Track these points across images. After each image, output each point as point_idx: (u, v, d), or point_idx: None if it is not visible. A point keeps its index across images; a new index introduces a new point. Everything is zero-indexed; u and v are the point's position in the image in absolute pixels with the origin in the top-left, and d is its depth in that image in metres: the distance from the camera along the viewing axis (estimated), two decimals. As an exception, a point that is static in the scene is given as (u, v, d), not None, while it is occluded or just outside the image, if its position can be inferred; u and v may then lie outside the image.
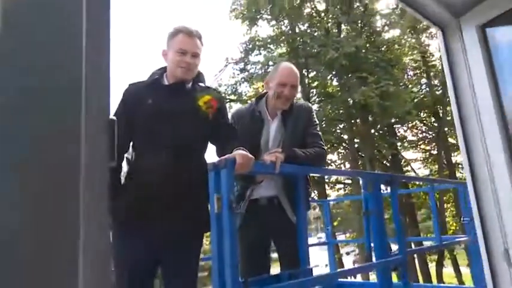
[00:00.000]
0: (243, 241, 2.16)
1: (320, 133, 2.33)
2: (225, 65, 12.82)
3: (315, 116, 2.39)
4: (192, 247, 1.86)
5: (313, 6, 13.09)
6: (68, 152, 0.38)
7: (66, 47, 0.42)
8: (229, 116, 2.32)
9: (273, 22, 12.62)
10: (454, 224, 14.76)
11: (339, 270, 3.15)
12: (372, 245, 2.52)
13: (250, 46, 12.57)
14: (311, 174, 2.52)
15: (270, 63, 10.93)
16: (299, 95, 12.99)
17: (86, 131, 0.39)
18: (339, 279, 3.57)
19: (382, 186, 2.82)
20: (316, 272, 2.12)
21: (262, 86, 2.42)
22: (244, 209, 2.17)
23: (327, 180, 13.77)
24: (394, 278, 2.49)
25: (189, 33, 1.97)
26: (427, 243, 7.74)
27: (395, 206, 2.61)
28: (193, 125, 1.90)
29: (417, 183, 12.32)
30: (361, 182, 2.74)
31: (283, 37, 12.04)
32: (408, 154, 16.36)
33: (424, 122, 15.30)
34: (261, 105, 2.36)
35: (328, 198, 10.08)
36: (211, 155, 2.09)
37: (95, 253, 0.39)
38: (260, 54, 12.58)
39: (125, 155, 1.95)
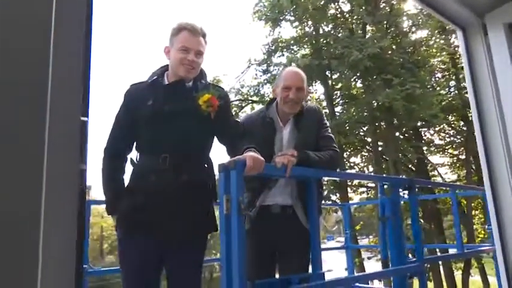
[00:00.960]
0: (251, 245, 2.14)
1: (332, 135, 2.29)
2: (247, 66, 12.87)
3: (325, 117, 2.35)
4: (194, 246, 1.86)
5: (337, 7, 12.93)
6: (30, 151, 0.37)
7: (31, 41, 0.40)
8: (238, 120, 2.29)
9: (296, 23, 12.55)
10: (483, 232, 14.23)
11: (352, 275, 3.08)
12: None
13: (273, 47, 12.54)
14: (333, 178, 2.46)
15: (293, 64, 10.88)
16: (322, 96, 12.88)
17: (50, 131, 0.38)
18: (357, 284, 3.49)
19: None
20: (334, 276, 2.08)
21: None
22: (254, 213, 2.14)
23: (349, 183, 13.56)
24: (416, 286, 2.41)
25: (193, 30, 1.90)
26: (452, 251, 7.48)
27: (414, 212, 2.53)
28: (193, 126, 1.88)
29: (444, 188, 11.94)
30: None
31: (306, 38, 11.95)
32: (435, 158, 15.92)
33: (452, 125, 14.83)
34: (272, 111, 2.32)
35: (349, 202, 9.93)
36: (222, 155, 2.08)
37: (57, 253, 0.38)
38: (283, 55, 12.52)
39: (129, 156, 1.97)
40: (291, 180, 2.18)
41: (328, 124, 2.34)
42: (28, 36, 0.40)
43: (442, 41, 13.25)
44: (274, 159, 1.93)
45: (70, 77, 0.41)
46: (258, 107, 11.35)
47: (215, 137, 2.01)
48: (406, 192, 2.97)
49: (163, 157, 1.82)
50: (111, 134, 1.95)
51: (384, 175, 10.40)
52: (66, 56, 0.42)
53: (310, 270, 2.07)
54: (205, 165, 1.95)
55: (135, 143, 1.96)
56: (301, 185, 2.12)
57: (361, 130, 13.09)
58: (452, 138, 15.26)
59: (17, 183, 0.36)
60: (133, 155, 1.96)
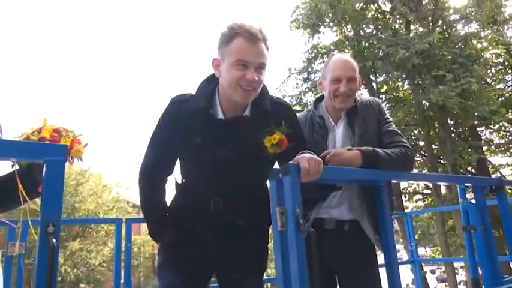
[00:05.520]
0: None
1: (398, 130, 1.92)
2: (288, 75, 12.57)
3: (385, 110, 1.99)
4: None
5: (377, 7, 12.40)
6: None
7: None
8: None
9: (335, 28, 12.15)
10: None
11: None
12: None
13: (313, 54, 12.19)
14: (405, 181, 2.04)
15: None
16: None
17: None
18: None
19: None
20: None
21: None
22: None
23: (403, 191, 12.74)
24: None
25: (251, 36, 1.44)
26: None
27: (506, 219, 2.08)
28: (254, 170, 1.55)
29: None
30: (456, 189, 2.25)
31: (347, 42, 11.48)
32: (496, 159, 14.71)
33: (513, 122, 13.65)
34: (321, 110, 1.98)
35: (410, 210, 9.25)
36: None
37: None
38: (323, 62, 12.08)
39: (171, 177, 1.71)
40: (350, 188, 1.83)
41: (390, 119, 1.97)
42: None
43: (494, 33, 12.28)
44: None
45: None
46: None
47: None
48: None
49: (216, 201, 1.54)
50: (146, 155, 1.64)
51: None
52: None
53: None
54: (263, 204, 1.60)
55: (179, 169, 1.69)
56: (367, 193, 1.76)
57: (413, 134, 12.33)
58: (514, 136, 14.06)
59: None
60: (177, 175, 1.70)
